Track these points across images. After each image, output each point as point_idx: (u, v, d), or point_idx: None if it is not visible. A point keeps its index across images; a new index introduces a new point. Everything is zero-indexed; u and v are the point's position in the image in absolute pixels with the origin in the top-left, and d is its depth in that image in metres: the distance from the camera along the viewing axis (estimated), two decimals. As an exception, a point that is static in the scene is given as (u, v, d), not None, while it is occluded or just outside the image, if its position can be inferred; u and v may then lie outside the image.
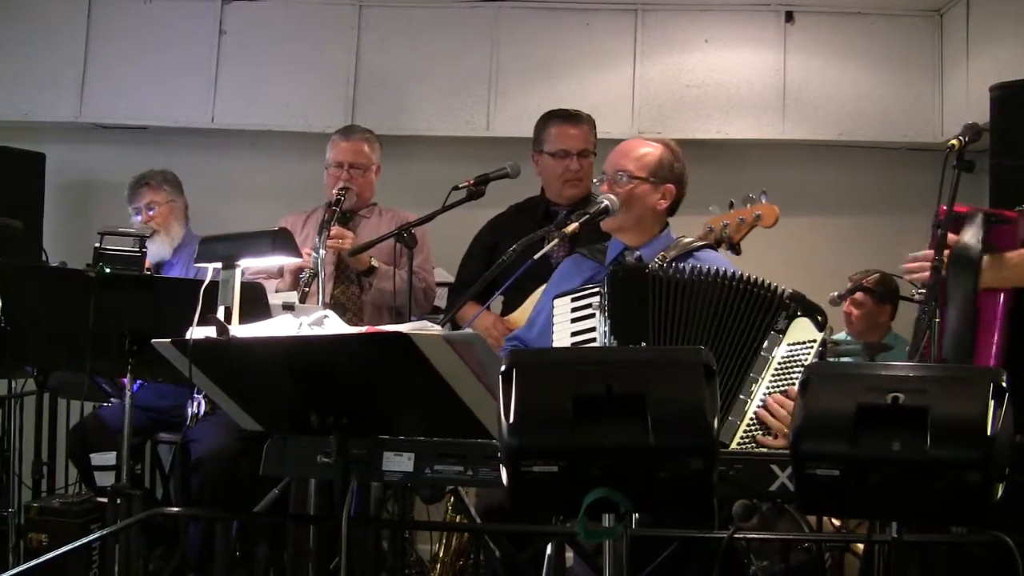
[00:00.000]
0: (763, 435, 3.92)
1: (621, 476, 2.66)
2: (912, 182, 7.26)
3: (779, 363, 4.00)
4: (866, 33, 7.63)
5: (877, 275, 6.88)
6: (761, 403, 3.94)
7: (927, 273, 3.98)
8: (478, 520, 4.73)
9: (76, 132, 7.85)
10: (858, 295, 6.89)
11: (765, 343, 4.01)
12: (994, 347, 3.90)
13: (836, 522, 5.34)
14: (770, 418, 3.93)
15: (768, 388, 3.97)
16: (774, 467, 3.32)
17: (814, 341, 4.02)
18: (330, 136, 6.37)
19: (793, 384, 3.94)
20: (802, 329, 4.03)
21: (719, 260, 4.57)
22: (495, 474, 3.36)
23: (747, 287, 4.09)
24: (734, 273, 4.14)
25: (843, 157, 7.81)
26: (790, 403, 3.89)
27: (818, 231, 7.68)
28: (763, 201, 5.09)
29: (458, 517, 5.42)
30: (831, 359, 6.08)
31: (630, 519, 2.90)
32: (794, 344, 4.02)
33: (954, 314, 3.94)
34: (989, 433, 2.66)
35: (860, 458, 2.72)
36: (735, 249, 5.09)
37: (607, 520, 2.78)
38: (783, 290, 4.10)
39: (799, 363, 3.99)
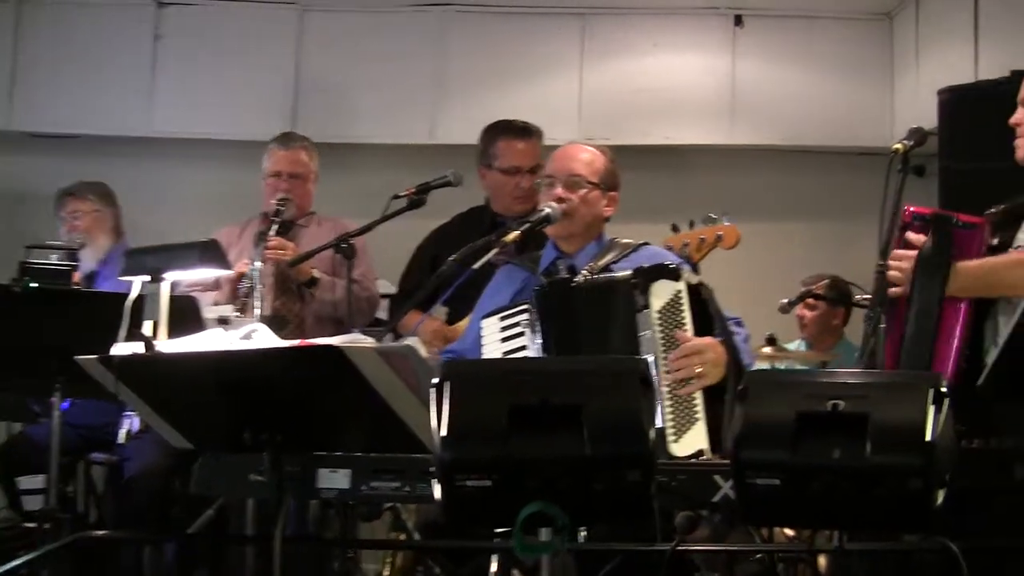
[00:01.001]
0: (685, 386, 3.99)
1: (558, 489, 2.67)
2: (863, 187, 7.21)
3: (661, 332, 4.05)
4: (816, 37, 7.69)
5: (828, 280, 6.92)
6: (667, 375, 3.99)
7: (897, 274, 4.00)
8: (416, 536, 4.73)
9: (5, 141, 7.82)
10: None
11: (639, 325, 4.06)
12: (952, 356, 3.92)
13: (789, 532, 5.36)
14: (679, 372, 3.99)
15: (665, 355, 4.03)
16: (717, 478, 3.34)
17: (679, 292, 4.07)
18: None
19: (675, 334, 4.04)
20: (662, 291, 4.08)
21: (662, 254, 4.60)
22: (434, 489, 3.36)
23: (605, 285, 4.20)
24: (607, 272, 4.28)
25: (793, 162, 7.85)
26: (684, 347, 4.00)
27: (767, 237, 7.67)
28: (725, 222, 5.11)
29: (395, 534, 5.40)
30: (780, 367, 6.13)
31: (570, 533, 2.89)
32: (662, 309, 4.07)
33: (915, 320, 3.96)
34: (929, 439, 2.70)
35: (800, 466, 2.74)
36: (694, 269, 5.10)
37: (544, 535, 2.78)
38: (624, 274, 4.19)
39: (678, 319, 4.05)
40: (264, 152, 6.21)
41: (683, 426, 3.96)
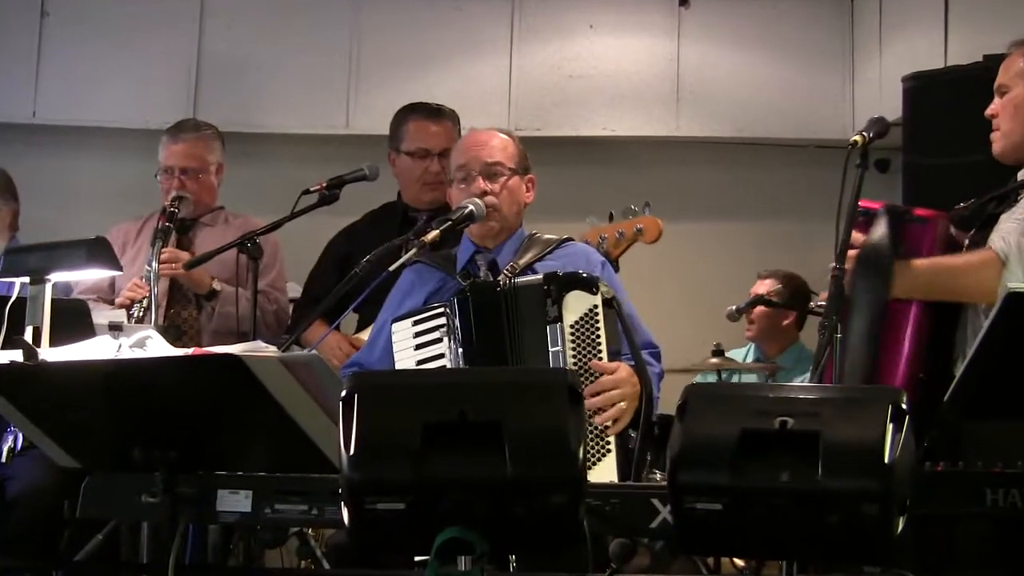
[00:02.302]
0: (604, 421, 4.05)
1: (476, 513, 2.66)
2: (820, 183, 7.22)
3: (573, 350, 4.09)
4: (769, 19, 7.73)
5: (779, 287, 6.91)
6: None
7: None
8: (325, 564, 4.71)
9: None
10: (761, 288, 6.92)
11: (550, 339, 4.09)
12: (901, 366, 3.93)
13: (740, 562, 5.37)
14: (598, 403, 4.04)
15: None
16: (655, 501, 3.32)
17: (595, 307, 4.11)
18: (167, 134, 6.31)
19: (598, 357, 4.09)
20: (575, 304, 4.12)
21: (585, 253, 4.62)
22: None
23: (524, 289, 4.22)
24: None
25: (743, 156, 7.89)
26: (602, 380, 4.06)
27: (715, 238, 7.73)
28: (646, 213, 5.12)
29: (306, 562, 5.38)
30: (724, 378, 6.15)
31: (495, 560, 2.88)
32: (576, 323, 4.11)
33: (858, 326, 3.95)
34: (887, 461, 2.68)
35: (744, 490, 2.73)
36: (613, 266, 5.11)
37: (462, 563, 2.77)
38: (536, 278, 4.23)
39: (592, 336, 4.09)
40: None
41: (593, 458, 3.99)
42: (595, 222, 5.22)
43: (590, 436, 3.99)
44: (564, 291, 4.12)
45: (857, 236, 3.99)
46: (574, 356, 4.08)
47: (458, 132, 5.91)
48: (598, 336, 4.09)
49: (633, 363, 4.16)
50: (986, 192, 4.13)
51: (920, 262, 3.94)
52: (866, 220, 4.01)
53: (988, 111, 4.17)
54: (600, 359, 4.08)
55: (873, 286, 3.94)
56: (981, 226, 4.10)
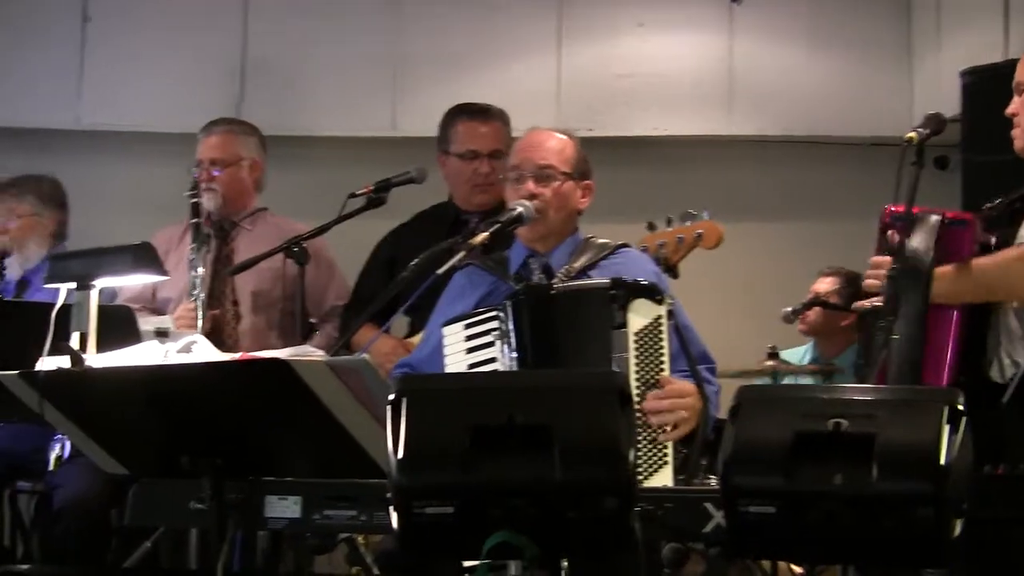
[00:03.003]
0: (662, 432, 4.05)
1: (525, 518, 2.68)
2: (877, 182, 7.20)
3: (636, 358, 4.09)
4: (824, 13, 7.69)
5: (839, 286, 6.88)
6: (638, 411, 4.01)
7: (874, 282, 4.02)
8: (375, 570, 4.73)
9: (-85, 133, 7.78)
10: (821, 286, 6.91)
11: (614, 344, 4.10)
12: (945, 372, 3.93)
13: (797, 568, 5.37)
14: (660, 416, 4.06)
15: (637, 386, 4.06)
16: (708, 506, 3.34)
17: (660, 317, 4.11)
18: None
19: (662, 370, 4.09)
20: (641, 312, 4.11)
21: (640, 260, 4.62)
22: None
23: (584, 293, 4.23)
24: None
25: (798, 155, 7.85)
26: (667, 389, 4.08)
27: (768, 239, 7.70)
28: (705, 218, 5.12)
29: (355, 569, 5.41)
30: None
31: (547, 565, 2.90)
32: (640, 332, 4.11)
33: (901, 329, 3.96)
34: (943, 463, 2.69)
35: (798, 493, 2.74)
36: (673, 272, 5.11)
37: (513, 568, 2.79)
38: (603, 282, 4.21)
39: (656, 347, 4.10)
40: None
41: (651, 467, 4.00)
42: (658, 226, 5.22)
43: (647, 445, 4.02)
44: (631, 297, 4.12)
45: (893, 238, 4.01)
46: (636, 364, 4.09)
47: (508, 132, 5.91)
48: (661, 347, 4.10)
49: (692, 380, 4.18)
50: (1012, 191, 4.15)
51: (958, 266, 3.94)
52: (903, 226, 4.01)
53: (1008, 110, 4.18)
54: (662, 370, 4.09)
55: (911, 294, 3.95)
56: (1008, 225, 4.12)
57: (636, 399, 4.02)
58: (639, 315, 4.10)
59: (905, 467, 2.71)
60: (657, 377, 4.08)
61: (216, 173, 6.00)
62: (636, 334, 4.09)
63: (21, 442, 5.67)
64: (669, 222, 5.17)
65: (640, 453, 3.97)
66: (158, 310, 5.85)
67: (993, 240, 4.10)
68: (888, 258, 3.98)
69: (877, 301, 4.00)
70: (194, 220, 5.71)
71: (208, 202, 5.84)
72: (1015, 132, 4.14)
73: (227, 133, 6.12)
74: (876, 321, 3.93)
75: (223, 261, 5.84)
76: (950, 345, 3.95)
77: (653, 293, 4.13)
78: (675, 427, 4.06)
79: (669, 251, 5.12)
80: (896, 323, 3.81)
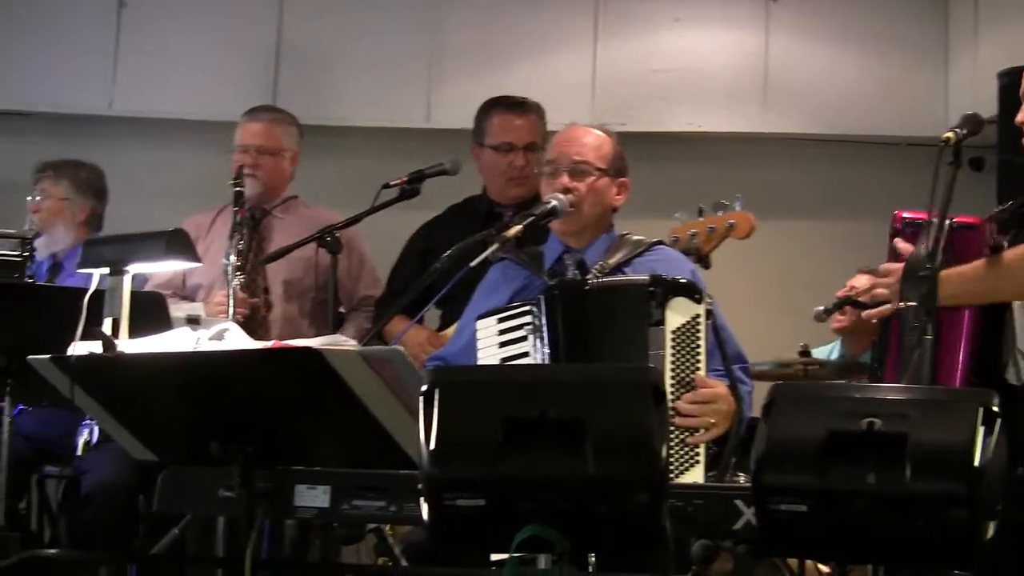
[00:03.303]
0: (692, 435, 4.06)
1: (556, 511, 2.68)
2: (912, 181, 7.15)
3: (672, 356, 4.10)
4: (860, 12, 7.67)
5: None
6: (672, 404, 4.02)
7: (883, 291, 4.05)
8: (403, 562, 4.73)
9: (-52, 117, 7.81)
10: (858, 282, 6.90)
11: (650, 341, 4.10)
12: (959, 373, 3.94)
13: (824, 568, 5.36)
14: (691, 419, 4.06)
15: (672, 384, 4.07)
16: (739, 503, 3.33)
17: (698, 316, 4.13)
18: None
19: (698, 369, 4.10)
20: (679, 310, 4.12)
21: (675, 258, 4.63)
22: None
23: (621, 289, 4.24)
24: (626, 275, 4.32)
25: (833, 153, 7.84)
26: (700, 392, 4.09)
27: (802, 237, 7.69)
28: (737, 208, 5.11)
29: (380, 558, 5.41)
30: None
31: (576, 560, 2.90)
32: (678, 330, 4.12)
33: (910, 337, 3.97)
34: (976, 464, 2.68)
35: (830, 492, 2.74)
36: (704, 262, 5.11)
37: (542, 561, 2.79)
38: (641, 279, 4.22)
39: (693, 346, 4.11)
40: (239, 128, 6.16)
41: (682, 465, 4.02)
42: (684, 217, 5.21)
43: (679, 445, 4.03)
44: (670, 295, 4.14)
45: (905, 247, 4.03)
46: (673, 362, 4.09)
47: (543, 125, 5.91)
48: (698, 346, 4.11)
49: (727, 379, 4.19)
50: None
51: (965, 267, 3.94)
52: (913, 231, 4.03)
53: (1018, 119, 4.18)
54: (698, 369, 4.10)
55: (919, 297, 3.96)
56: (1020, 226, 4.12)
57: (671, 397, 4.04)
58: (677, 313, 4.11)
59: (939, 467, 2.69)
60: (692, 376, 4.09)
61: (258, 159, 6.01)
62: (673, 332, 4.09)
63: (50, 427, 5.70)
64: (700, 212, 5.17)
65: (672, 451, 3.98)
66: (189, 297, 5.86)
67: (1006, 242, 4.12)
68: (899, 265, 4.01)
69: (886, 309, 4.04)
70: (237, 207, 5.71)
71: (249, 188, 5.83)
72: None
73: (273, 122, 6.12)
74: (910, 322, 3.94)
75: (255, 250, 5.85)
76: (962, 347, 3.95)
77: (692, 292, 4.15)
78: (706, 430, 4.06)
79: (701, 241, 5.11)
80: (927, 324, 3.81)
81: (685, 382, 4.10)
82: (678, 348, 4.09)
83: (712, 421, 4.06)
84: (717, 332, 4.19)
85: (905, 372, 3.86)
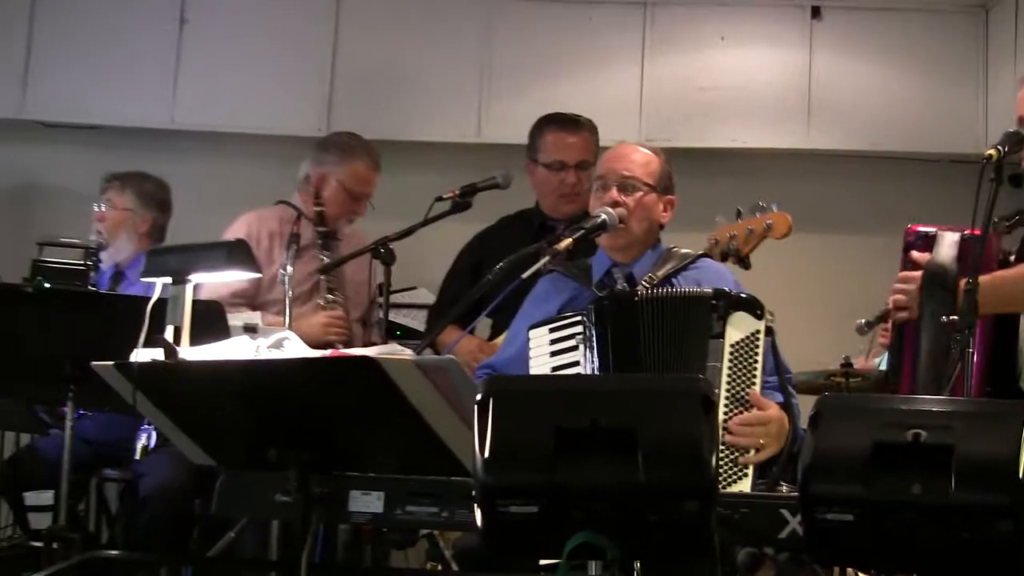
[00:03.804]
0: (744, 455, 4.02)
1: (607, 519, 2.67)
2: (952, 197, 7.13)
3: (729, 369, 4.07)
4: (902, 31, 7.63)
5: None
6: (725, 417, 4.02)
7: (902, 298, 4.08)
8: (454, 567, 4.73)
9: (16, 130, 7.88)
10: None
11: (709, 353, 4.08)
12: (974, 380, 3.92)
13: (863, 576, 5.32)
14: (741, 440, 4.02)
15: (727, 398, 4.05)
16: (784, 512, 3.32)
17: (758, 332, 4.11)
18: (304, 139, 6.35)
19: (752, 385, 4.06)
20: (740, 325, 4.11)
21: (719, 270, 4.62)
22: (474, 516, 3.36)
23: (678, 300, 4.22)
24: (680, 288, 4.32)
25: (874, 169, 7.80)
26: (752, 415, 4.04)
27: (845, 251, 7.65)
28: (774, 209, 5.09)
29: (431, 564, 5.41)
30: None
31: (621, 566, 2.89)
32: (737, 344, 4.10)
33: (928, 341, 4.00)
34: (1022, 476, 2.65)
35: (876, 502, 2.71)
36: (744, 263, 5.09)
37: (593, 568, 2.78)
38: (704, 291, 4.21)
39: (750, 361, 4.08)
40: (345, 157, 6.12)
41: (730, 478, 3.99)
42: (723, 221, 5.20)
43: (727, 460, 4.00)
44: (732, 309, 4.12)
45: (921, 257, 4.06)
46: (729, 376, 4.07)
47: (596, 143, 5.91)
48: (755, 362, 4.09)
49: (780, 397, 4.17)
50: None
51: (981, 278, 3.94)
52: (925, 243, 4.06)
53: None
54: (753, 385, 4.07)
55: (938, 305, 3.97)
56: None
57: (724, 410, 4.03)
58: (737, 327, 4.10)
59: (984, 479, 2.66)
60: (747, 391, 4.07)
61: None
62: (732, 346, 4.08)
63: (109, 431, 5.74)
64: (739, 214, 5.15)
65: (722, 465, 3.96)
66: (260, 307, 5.87)
67: (1012, 256, 4.20)
68: (916, 273, 4.04)
69: (903, 315, 4.16)
70: (321, 229, 5.82)
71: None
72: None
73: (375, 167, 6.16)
74: (954, 335, 3.93)
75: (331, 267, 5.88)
76: (977, 355, 3.94)
77: (754, 307, 4.13)
78: (756, 451, 4.03)
79: (740, 243, 5.09)
80: (968, 338, 3.81)
81: (739, 397, 4.07)
82: (735, 362, 4.07)
83: (762, 443, 4.02)
84: (777, 353, 4.18)
85: (942, 383, 3.86)
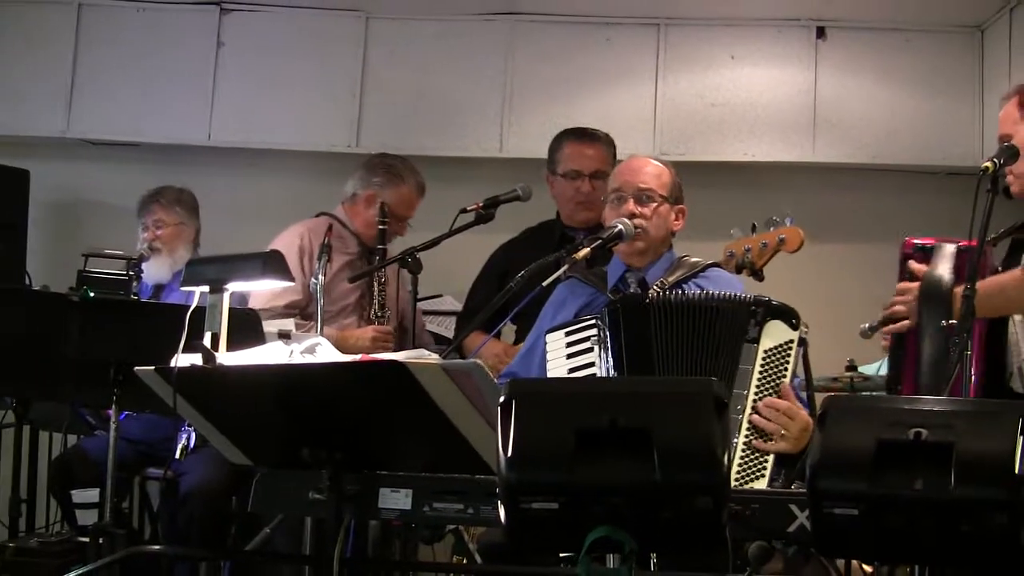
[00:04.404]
0: (760, 439, 4.01)
1: (624, 515, 2.67)
2: (950, 208, 7.16)
3: (760, 372, 4.07)
4: (902, 50, 7.62)
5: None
6: (752, 411, 4.01)
7: (902, 308, 4.08)
8: (478, 560, 4.74)
9: (63, 148, 7.90)
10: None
11: (742, 356, 4.07)
12: (973, 383, 3.92)
13: (867, 568, 5.31)
14: (764, 421, 4.02)
15: (755, 398, 4.05)
16: (793, 507, 3.32)
17: (791, 341, 4.10)
18: (335, 154, 6.37)
19: (780, 384, 4.05)
20: (775, 332, 4.11)
21: (728, 279, 4.63)
22: (497, 512, 3.36)
23: (716, 303, 4.19)
24: (708, 292, 4.27)
25: (876, 182, 7.78)
26: (782, 402, 4.02)
27: (849, 259, 7.63)
28: (788, 224, 5.10)
29: (457, 557, 5.41)
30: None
31: (638, 559, 2.89)
32: (770, 350, 4.09)
33: (928, 347, 4.01)
34: (1017, 471, 2.65)
35: (880, 497, 2.71)
36: (758, 275, 5.10)
37: (611, 561, 2.78)
38: (745, 296, 4.19)
39: (780, 368, 4.07)
40: (346, 163, 6.14)
41: (749, 476, 3.99)
42: (738, 234, 5.20)
43: (750, 455, 4.00)
44: (770, 317, 4.13)
45: (919, 268, 4.10)
46: (758, 380, 4.07)
47: (612, 155, 5.93)
48: (785, 370, 4.08)
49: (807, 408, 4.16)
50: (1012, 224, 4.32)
51: (980, 283, 3.95)
52: (923, 255, 4.10)
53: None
54: (783, 382, 4.06)
55: (937, 313, 3.99)
56: (1012, 251, 4.30)
57: (751, 411, 4.02)
58: (772, 335, 4.09)
59: (982, 475, 2.66)
60: (778, 386, 4.06)
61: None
62: (765, 352, 4.08)
63: (153, 432, 5.77)
64: (753, 228, 5.16)
65: (743, 461, 3.96)
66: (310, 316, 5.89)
67: (999, 268, 4.27)
68: (915, 284, 4.06)
69: (904, 325, 4.20)
70: (382, 246, 5.91)
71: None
72: (1008, 179, 4.25)
73: (417, 191, 6.23)
74: (952, 338, 3.94)
75: (380, 284, 5.92)
76: (975, 354, 3.95)
77: (790, 317, 4.13)
78: (775, 441, 4.02)
79: (754, 256, 5.11)
80: (967, 341, 3.82)
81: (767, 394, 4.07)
82: (766, 368, 4.07)
83: (784, 432, 4.01)
84: (807, 363, 4.16)
85: (941, 385, 3.87)
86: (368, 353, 5.16)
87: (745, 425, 4.01)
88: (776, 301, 4.20)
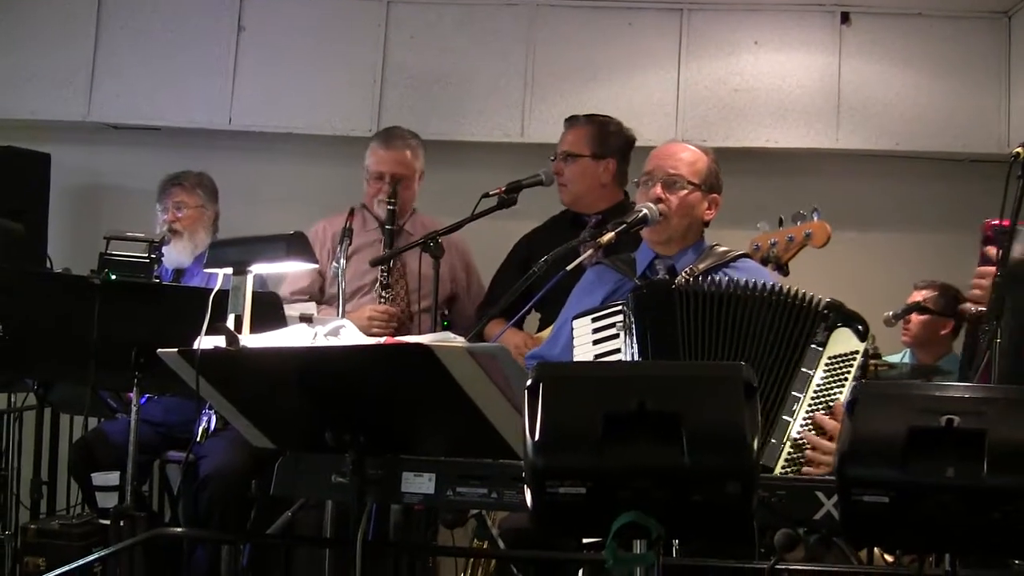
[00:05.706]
0: (807, 465, 3.93)
1: (653, 499, 2.64)
2: (975, 196, 7.15)
3: (820, 378, 4.01)
4: (927, 36, 7.58)
5: (936, 293, 6.80)
6: (804, 423, 3.96)
7: (979, 291, 4.03)
8: (501, 545, 4.72)
9: (84, 132, 7.91)
10: (917, 297, 6.83)
11: (805, 358, 4.00)
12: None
13: (888, 557, 5.29)
14: (815, 439, 3.94)
15: (811, 405, 3.99)
16: (819, 494, 3.30)
17: (856, 352, 4.04)
18: (355, 139, 6.34)
19: (837, 399, 3.97)
20: (843, 340, 4.05)
21: (758, 270, 4.59)
22: (521, 497, 3.34)
23: (781, 298, 4.12)
24: (767, 284, 4.18)
25: (901, 168, 7.75)
26: (834, 423, 3.93)
27: (872, 247, 7.61)
28: (815, 219, 5.06)
29: (479, 542, 5.39)
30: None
31: (663, 546, 2.86)
32: (835, 357, 4.04)
33: (1010, 336, 3.93)
34: (1051, 460, 2.63)
35: (911, 484, 2.67)
36: (783, 270, 5.07)
37: (638, 546, 2.75)
38: (819, 299, 4.12)
39: (842, 377, 4.01)
40: (357, 146, 6.20)
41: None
42: (765, 228, 5.17)
43: (795, 462, 3.96)
44: (840, 323, 4.07)
45: (992, 251, 4.01)
46: (817, 385, 4.02)
47: (594, 135, 6.00)
48: (845, 380, 4.02)
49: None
50: None
51: None
52: (997, 237, 4.00)
53: None
54: (838, 400, 3.98)
55: (1021, 299, 3.93)
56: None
57: (804, 418, 3.98)
58: (839, 342, 4.04)
59: (1015, 462, 2.62)
60: (832, 402, 4.00)
61: (394, 187, 6.10)
62: (830, 358, 4.03)
63: (173, 414, 5.77)
64: (780, 222, 5.13)
65: (783, 464, 3.94)
66: (324, 302, 5.89)
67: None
68: (990, 269, 3.98)
69: (983, 308, 4.01)
70: (390, 226, 5.95)
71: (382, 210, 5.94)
72: None
73: (406, 148, 6.25)
74: (982, 326, 3.90)
75: (399, 265, 5.96)
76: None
77: (860, 327, 4.08)
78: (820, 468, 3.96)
79: (780, 250, 5.08)
80: (1002, 330, 3.77)
81: (823, 407, 4.01)
82: (828, 374, 4.02)
83: (829, 460, 3.88)
84: (864, 372, 4.12)
85: (976, 374, 3.83)
86: (365, 332, 5.18)
87: (795, 431, 3.96)
88: (849, 308, 4.13)
